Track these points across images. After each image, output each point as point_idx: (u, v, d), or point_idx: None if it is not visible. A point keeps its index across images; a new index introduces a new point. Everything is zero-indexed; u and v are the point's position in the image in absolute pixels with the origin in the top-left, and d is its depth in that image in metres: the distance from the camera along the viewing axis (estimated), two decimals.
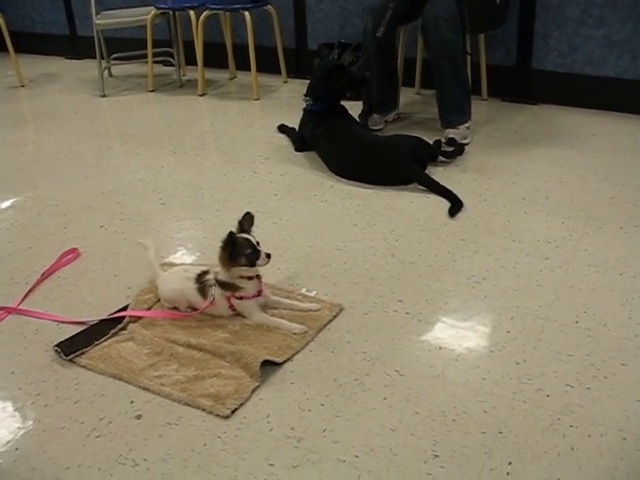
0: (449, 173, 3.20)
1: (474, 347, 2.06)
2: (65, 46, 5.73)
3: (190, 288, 2.25)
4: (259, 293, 2.22)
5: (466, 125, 3.44)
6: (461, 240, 2.64)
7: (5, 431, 1.87)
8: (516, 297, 2.27)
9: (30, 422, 1.89)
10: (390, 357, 2.03)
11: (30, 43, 5.84)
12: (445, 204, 2.90)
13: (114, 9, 4.85)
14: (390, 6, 3.37)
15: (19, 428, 1.88)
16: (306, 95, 3.44)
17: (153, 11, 4.52)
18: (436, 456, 1.68)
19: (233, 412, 1.85)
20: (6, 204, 3.21)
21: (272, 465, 1.69)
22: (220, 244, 2.13)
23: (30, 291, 2.49)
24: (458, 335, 2.11)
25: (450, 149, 3.33)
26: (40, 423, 1.89)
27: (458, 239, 2.64)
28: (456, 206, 2.86)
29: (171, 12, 4.64)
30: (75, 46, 5.63)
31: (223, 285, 2.20)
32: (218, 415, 1.84)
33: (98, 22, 4.59)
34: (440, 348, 2.06)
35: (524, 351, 2.02)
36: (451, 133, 3.42)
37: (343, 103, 3.44)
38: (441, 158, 3.29)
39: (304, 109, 3.48)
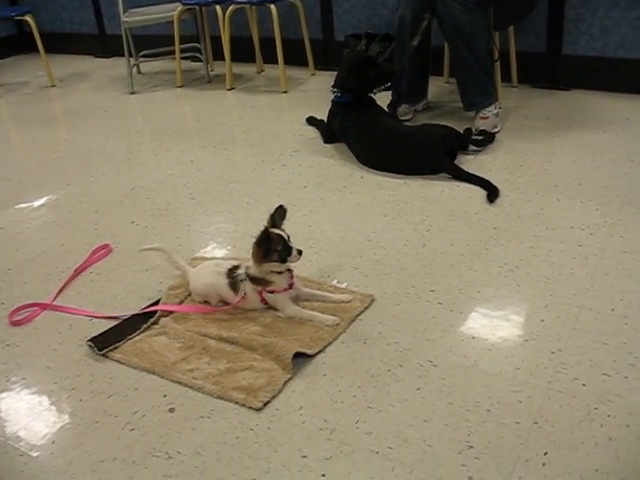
0: (480, 161, 3.15)
1: (508, 336, 2.03)
2: (94, 45, 5.79)
3: (221, 283, 2.25)
4: (290, 286, 2.21)
5: (493, 110, 3.37)
6: (493, 228, 2.60)
7: (42, 425, 1.90)
8: (550, 285, 2.23)
9: (66, 416, 1.92)
10: (422, 348, 2.01)
11: (60, 43, 5.92)
12: (476, 193, 2.87)
13: (142, 7, 4.88)
14: (426, 16, 3.33)
15: (55, 422, 1.90)
16: (334, 86, 3.42)
17: (179, 7, 4.54)
18: (470, 447, 1.65)
19: (265, 405, 1.85)
20: (39, 202, 3.26)
21: (305, 457, 1.68)
22: (254, 240, 2.13)
23: (63, 287, 2.52)
24: (491, 324, 2.08)
25: (480, 137, 3.28)
26: (75, 417, 1.91)
27: (490, 227, 2.61)
28: (493, 192, 2.82)
29: (197, 7, 4.64)
30: (104, 45, 5.68)
31: (254, 280, 2.19)
32: (251, 408, 1.84)
33: (125, 20, 4.62)
34: (473, 338, 2.03)
35: (559, 340, 1.98)
36: (482, 125, 3.36)
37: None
38: (472, 147, 3.24)
39: (332, 101, 3.46)
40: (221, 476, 1.66)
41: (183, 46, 4.77)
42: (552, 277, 2.27)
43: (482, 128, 3.34)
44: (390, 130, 3.19)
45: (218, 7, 4.47)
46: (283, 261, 2.13)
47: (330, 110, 3.49)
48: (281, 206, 2.23)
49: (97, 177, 3.48)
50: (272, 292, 2.19)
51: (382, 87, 3.59)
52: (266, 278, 2.18)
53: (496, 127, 3.40)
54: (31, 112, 4.72)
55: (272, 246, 2.11)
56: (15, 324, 2.35)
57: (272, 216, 2.21)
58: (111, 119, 4.34)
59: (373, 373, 1.93)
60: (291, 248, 2.13)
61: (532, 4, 3.65)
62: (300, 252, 2.15)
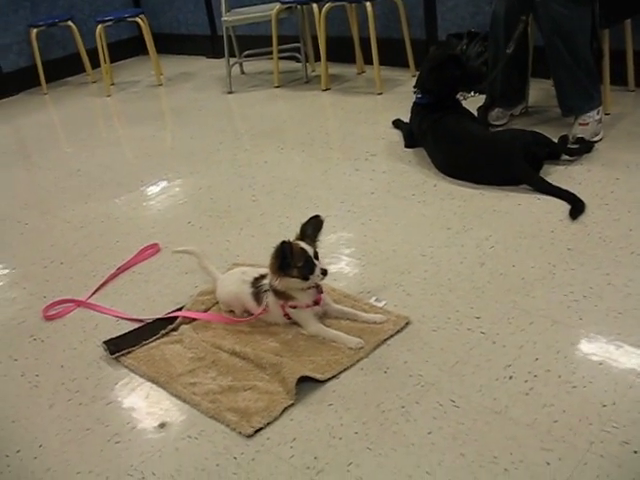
0: (570, 172, 2.77)
1: (552, 380, 1.69)
2: (206, 46, 5.85)
3: (245, 292, 2.09)
4: (316, 303, 2.00)
5: (595, 115, 2.95)
6: (567, 249, 2.24)
7: (35, 427, 1.83)
8: (620, 322, 1.86)
9: (61, 420, 1.84)
10: (448, 384, 1.73)
11: (176, 44, 6.05)
12: (558, 207, 2.50)
13: (246, 6, 4.85)
14: (522, 19, 3.00)
15: (48, 425, 1.83)
16: (415, 87, 3.16)
17: (278, 6, 4.44)
18: None
19: (257, 431, 1.67)
20: (106, 199, 3.26)
21: None
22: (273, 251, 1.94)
23: (102, 285, 2.47)
24: (536, 364, 1.76)
25: (576, 146, 2.89)
26: (69, 422, 1.83)
27: (563, 248, 2.25)
28: (577, 207, 2.46)
29: (296, 6, 4.53)
30: (215, 45, 5.72)
31: (277, 292, 2.01)
32: (240, 433, 1.67)
33: (226, 19, 4.60)
34: (510, 378, 1.72)
35: (615, 391, 1.63)
36: (580, 132, 2.96)
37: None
38: (565, 156, 2.86)
39: (413, 102, 3.20)
40: None
41: (284, 46, 4.68)
42: (625, 312, 1.90)
43: (580, 135, 2.94)
44: (469, 134, 2.88)
45: (315, 6, 4.33)
46: (305, 279, 1.93)
47: (411, 112, 3.23)
48: (317, 216, 2.03)
49: (170, 175, 3.45)
50: (294, 307, 2.00)
51: (472, 91, 3.28)
52: (288, 292, 1.99)
53: (597, 135, 2.98)
54: (131, 110, 4.82)
55: (293, 261, 1.91)
56: (48, 318, 2.33)
57: (303, 227, 2.02)
58: (202, 118, 4.32)
59: (384, 408, 1.68)
60: (314, 266, 1.92)
61: None
62: (325, 272, 1.93)
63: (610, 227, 2.33)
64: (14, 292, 2.56)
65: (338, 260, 2.40)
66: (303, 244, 1.94)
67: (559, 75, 2.99)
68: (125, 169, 3.69)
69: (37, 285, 2.59)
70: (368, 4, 4.05)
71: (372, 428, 1.63)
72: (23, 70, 5.70)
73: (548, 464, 1.46)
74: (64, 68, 5.88)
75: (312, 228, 2.01)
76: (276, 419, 1.69)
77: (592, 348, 1.80)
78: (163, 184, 3.35)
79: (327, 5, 4.22)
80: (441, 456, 1.52)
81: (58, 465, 1.68)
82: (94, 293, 2.43)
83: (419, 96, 3.13)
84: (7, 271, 2.75)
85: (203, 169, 3.48)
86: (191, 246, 2.44)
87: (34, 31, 5.37)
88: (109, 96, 5.19)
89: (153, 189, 3.32)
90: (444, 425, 1.60)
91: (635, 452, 1.46)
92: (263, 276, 2.08)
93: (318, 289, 2.01)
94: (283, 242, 1.89)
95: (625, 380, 1.66)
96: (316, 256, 1.94)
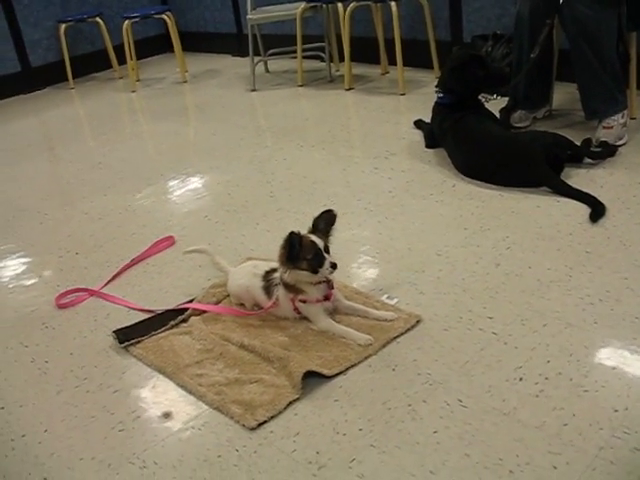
0: (592, 175, 2.71)
1: (562, 383, 1.65)
2: (232, 44, 5.86)
3: (256, 285, 2.08)
4: (327, 298, 1.98)
5: (620, 119, 2.89)
6: (585, 252, 2.19)
7: (42, 412, 1.84)
8: (636, 327, 1.81)
9: (67, 406, 1.84)
10: (457, 383, 1.70)
11: (203, 42, 6.08)
12: (578, 210, 2.45)
13: (272, 5, 4.86)
14: (548, 22, 2.95)
15: (55, 411, 1.83)
16: (437, 86, 3.13)
17: (303, 5, 4.44)
18: None
19: (261, 425, 1.65)
20: (126, 192, 3.27)
21: None
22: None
23: (116, 276, 2.47)
24: (548, 366, 1.72)
25: (598, 149, 2.84)
26: (76, 408, 1.83)
27: (582, 251, 2.20)
28: (598, 210, 2.41)
29: (319, 5, 4.52)
30: (241, 44, 5.73)
31: (287, 286, 1.99)
32: (244, 425, 1.65)
33: (250, 17, 4.61)
34: (521, 380, 1.68)
35: (628, 396, 1.58)
36: (604, 135, 2.90)
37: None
38: (587, 159, 2.81)
39: (435, 102, 3.17)
40: None
41: (309, 45, 4.67)
42: None
43: (603, 139, 2.88)
44: (489, 135, 2.84)
45: (340, 5, 4.32)
46: (314, 272, 1.91)
47: (432, 111, 3.19)
48: (329, 210, 2.01)
49: (189, 170, 3.45)
50: (304, 302, 1.98)
51: (495, 94, 3.24)
52: (298, 286, 1.97)
53: (621, 139, 2.92)
54: (155, 106, 4.85)
55: (302, 253, 1.89)
56: (61, 307, 2.34)
57: (316, 220, 2.00)
58: (225, 114, 4.33)
59: (390, 406, 1.65)
60: (324, 259, 1.90)
61: None
62: (334, 265, 1.91)
63: (631, 231, 2.28)
64: (29, 280, 2.58)
65: (352, 257, 2.38)
66: (314, 237, 1.93)
67: (584, 78, 2.93)
68: (146, 163, 3.71)
69: (52, 274, 2.61)
70: (393, 4, 4.02)
71: (377, 425, 1.60)
72: (51, 65, 5.76)
73: (555, 468, 1.42)
74: (91, 64, 5.94)
75: (324, 222, 1.99)
76: (280, 413, 1.68)
77: (606, 352, 1.76)
78: (182, 178, 3.36)
79: (352, 5, 4.20)
80: (446, 456, 1.49)
81: (62, 450, 1.68)
82: (107, 283, 2.43)
83: (440, 95, 3.09)
84: (24, 260, 2.77)
85: (223, 165, 3.48)
86: (203, 244, 2.45)
87: (63, 26, 5.43)
88: (134, 92, 5.23)
89: (172, 183, 3.33)
90: (450, 425, 1.57)
91: None
92: (274, 270, 2.06)
93: (329, 284, 1.99)
94: (292, 233, 1.87)
95: (639, 385, 1.62)
96: (327, 250, 1.92)
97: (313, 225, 1.99)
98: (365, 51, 4.68)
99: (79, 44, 5.88)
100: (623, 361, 1.71)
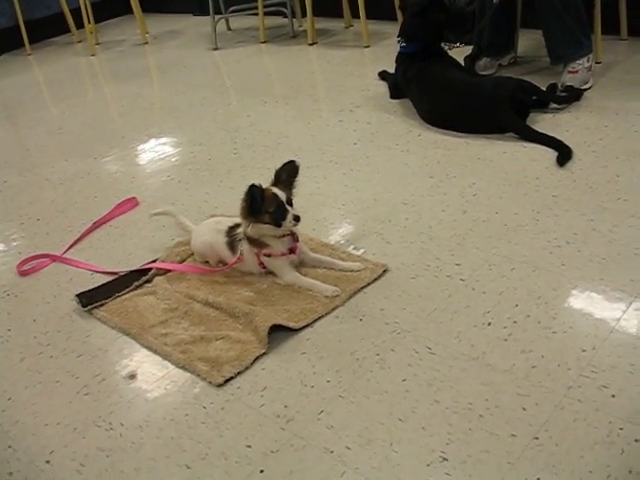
0: (558, 120, 2.69)
1: (531, 326, 1.65)
2: (193, 3, 5.69)
3: (219, 242, 2.03)
4: (292, 251, 1.95)
5: (585, 63, 2.85)
6: (552, 196, 2.18)
7: (5, 380, 1.79)
8: (602, 268, 1.81)
9: (31, 373, 1.80)
10: (425, 331, 1.69)
11: (163, 2, 5.88)
12: (544, 155, 2.43)
13: None
14: None
15: (18, 379, 1.78)
16: (399, 35, 3.06)
17: None
18: (444, 459, 1.33)
19: (227, 381, 1.62)
20: (86, 156, 3.17)
21: (249, 447, 1.44)
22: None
23: (78, 240, 2.41)
24: (515, 309, 1.71)
25: (564, 94, 2.81)
26: (40, 375, 1.78)
27: (548, 195, 2.19)
28: (564, 154, 2.40)
29: None
30: (202, 3, 5.56)
31: (251, 240, 1.95)
32: (211, 382, 1.62)
33: None
34: (489, 324, 1.67)
35: (596, 336, 1.58)
36: (569, 79, 2.87)
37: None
38: (553, 104, 2.78)
39: (398, 51, 3.10)
40: (153, 457, 1.46)
41: (270, 1, 4.55)
42: (609, 258, 1.84)
43: (569, 84, 2.85)
44: (453, 82, 2.79)
45: None
46: (277, 225, 1.87)
47: (396, 62, 3.13)
48: (292, 162, 1.97)
49: (152, 131, 3.37)
50: (269, 255, 1.94)
51: (458, 41, 3.19)
52: (262, 240, 1.93)
53: (586, 83, 2.90)
54: (116, 68, 4.71)
55: (264, 206, 1.85)
56: (22, 274, 2.27)
57: (278, 172, 1.95)
58: (187, 75, 4.22)
59: (358, 356, 1.64)
60: (287, 212, 1.86)
61: None
62: (297, 218, 1.87)
63: (597, 174, 2.27)
64: None
65: (317, 210, 2.34)
66: (276, 189, 1.88)
67: (548, 22, 2.89)
68: (108, 126, 3.60)
69: (13, 242, 2.53)
70: None
71: (345, 376, 1.58)
72: (5, 31, 5.54)
73: (524, 409, 1.42)
74: (48, 28, 5.72)
75: (287, 174, 1.95)
76: (247, 368, 1.65)
77: (574, 294, 1.75)
78: (145, 140, 3.27)
79: None
80: (415, 403, 1.48)
81: (27, 417, 1.65)
82: (70, 248, 2.37)
83: (403, 45, 3.03)
84: None
85: (186, 124, 3.39)
86: (166, 204, 2.40)
87: None
88: (94, 55, 5.06)
89: (134, 145, 3.25)
90: (419, 372, 1.56)
91: (613, 396, 1.42)
92: (238, 225, 2.01)
93: (294, 237, 1.95)
94: (252, 185, 1.82)
95: (606, 325, 1.62)
96: (289, 202, 1.88)
97: (275, 177, 1.95)
98: (328, 5, 4.57)
99: (34, 8, 5.66)
100: (591, 302, 1.71)
